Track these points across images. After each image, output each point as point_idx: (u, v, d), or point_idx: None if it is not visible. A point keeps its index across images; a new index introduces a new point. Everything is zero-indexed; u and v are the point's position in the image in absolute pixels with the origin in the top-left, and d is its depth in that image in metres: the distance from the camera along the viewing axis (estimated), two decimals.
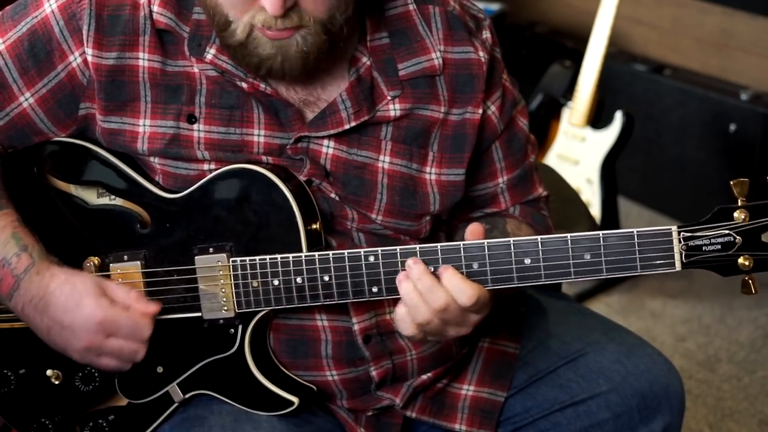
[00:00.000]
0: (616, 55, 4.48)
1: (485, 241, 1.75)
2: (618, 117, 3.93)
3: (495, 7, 4.64)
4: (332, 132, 1.87)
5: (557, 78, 4.15)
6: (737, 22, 4.23)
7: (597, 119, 4.00)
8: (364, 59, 1.89)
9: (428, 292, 1.73)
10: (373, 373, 1.92)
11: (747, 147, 4.06)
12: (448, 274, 1.74)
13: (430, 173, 1.93)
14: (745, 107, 4.06)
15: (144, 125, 1.86)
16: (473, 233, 1.76)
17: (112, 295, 1.83)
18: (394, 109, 1.89)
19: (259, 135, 1.87)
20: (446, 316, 1.75)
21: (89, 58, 1.83)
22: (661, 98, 4.36)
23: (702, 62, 4.39)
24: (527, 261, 1.74)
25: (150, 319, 1.83)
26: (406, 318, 1.76)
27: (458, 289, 1.73)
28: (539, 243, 1.73)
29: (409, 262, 1.75)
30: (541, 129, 4.10)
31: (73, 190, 1.92)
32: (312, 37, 1.77)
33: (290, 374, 1.89)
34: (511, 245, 1.74)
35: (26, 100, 1.87)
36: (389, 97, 1.89)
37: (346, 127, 1.87)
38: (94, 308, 1.81)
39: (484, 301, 1.75)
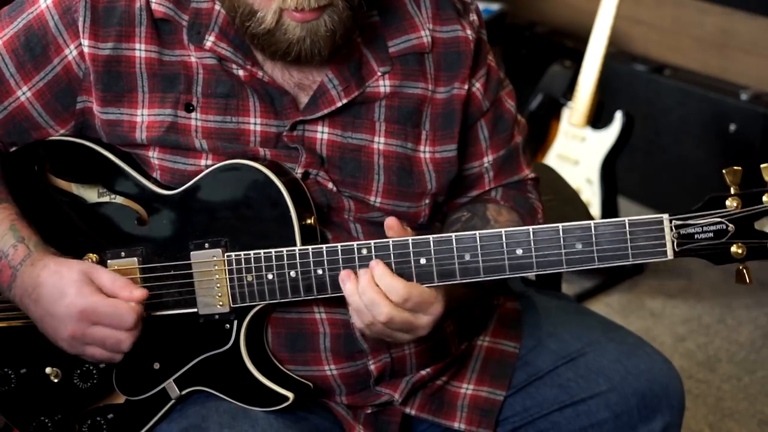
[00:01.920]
0: (616, 55, 4.48)
1: (477, 232, 1.75)
2: (618, 117, 3.93)
3: (495, 7, 4.64)
4: (325, 112, 1.89)
5: (557, 78, 4.15)
6: (737, 22, 4.23)
7: (597, 119, 4.00)
8: (354, 36, 1.91)
9: (372, 305, 1.75)
10: (372, 367, 1.92)
11: (747, 147, 4.06)
12: (378, 272, 1.75)
13: (424, 152, 1.95)
14: (745, 107, 4.07)
15: (142, 115, 1.87)
16: (390, 228, 1.78)
17: (99, 282, 1.83)
18: (384, 85, 1.91)
19: (255, 123, 1.88)
20: (392, 326, 1.76)
21: (85, 49, 1.85)
22: (661, 98, 4.36)
23: (702, 62, 4.39)
24: (519, 251, 1.73)
25: (135, 305, 1.81)
26: (353, 314, 1.79)
27: (388, 288, 1.74)
28: (531, 233, 1.73)
29: (345, 273, 1.77)
30: (541, 129, 4.10)
31: (74, 189, 1.93)
32: (338, 14, 1.79)
33: (286, 370, 1.90)
34: (503, 236, 1.74)
35: (23, 94, 1.88)
36: (379, 73, 1.91)
37: (338, 104, 1.89)
38: (76, 296, 1.80)
39: (418, 299, 1.75)
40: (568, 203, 2.94)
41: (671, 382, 1.99)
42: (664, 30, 4.54)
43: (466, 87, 1.97)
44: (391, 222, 1.78)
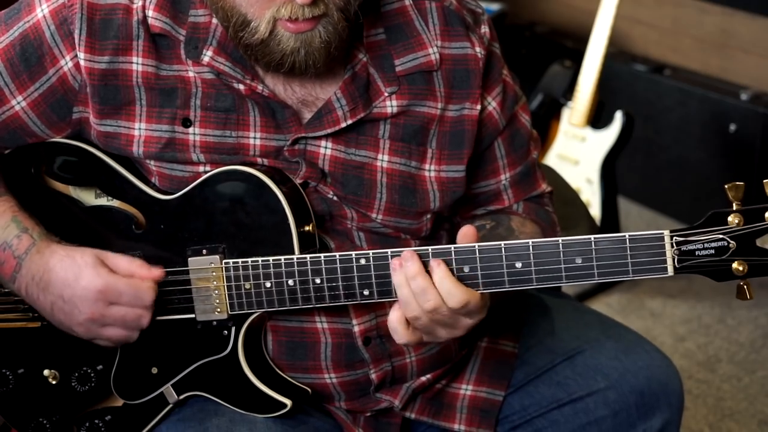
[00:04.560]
0: (616, 55, 4.48)
1: (476, 244, 1.74)
2: (618, 117, 3.93)
3: (495, 7, 4.63)
4: (329, 131, 1.87)
5: (557, 78, 4.15)
6: (737, 22, 4.23)
7: (597, 119, 4.00)
8: (360, 56, 1.89)
9: (421, 293, 1.72)
10: (372, 376, 1.92)
11: (747, 147, 4.05)
12: (440, 274, 1.72)
13: (429, 170, 1.93)
14: (745, 107, 4.06)
15: (139, 129, 1.86)
16: (465, 236, 1.75)
17: (113, 264, 1.83)
18: (391, 106, 1.89)
19: (255, 138, 1.86)
20: (437, 317, 1.74)
21: (82, 63, 1.83)
22: (661, 98, 4.36)
23: (702, 62, 4.39)
24: (518, 265, 1.72)
25: (153, 283, 1.82)
26: (401, 318, 1.75)
27: (448, 291, 1.72)
28: (530, 247, 1.72)
29: (406, 254, 1.73)
30: (541, 129, 4.10)
31: (71, 191, 1.92)
32: (333, 25, 1.76)
33: (285, 376, 1.89)
34: (503, 249, 1.73)
35: (18, 103, 1.87)
36: (386, 94, 1.89)
37: (343, 125, 1.87)
38: (94, 277, 1.80)
39: (474, 307, 1.74)
40: (567, 204, 2.94)
41: (670, 380, 1.99)
42: (664, 30, 4.54)
43: (479, 107, 1.94)
44: (466, 230, 1.75)
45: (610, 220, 3.99)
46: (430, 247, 1.75)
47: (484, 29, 1.97)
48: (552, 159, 4.08)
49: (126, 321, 1.82)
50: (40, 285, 1.83)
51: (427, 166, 1.93)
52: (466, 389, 2.01)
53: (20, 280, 1.85)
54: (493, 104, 1.97)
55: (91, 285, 1.80)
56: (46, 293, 1.83)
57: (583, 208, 3.14)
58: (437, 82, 1.92)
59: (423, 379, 1.96)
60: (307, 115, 1.88)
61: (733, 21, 4.24)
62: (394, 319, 1.75)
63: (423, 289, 1.72)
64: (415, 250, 1.74)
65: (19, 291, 1.87)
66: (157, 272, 1.83)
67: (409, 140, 1.91)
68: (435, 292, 1.72)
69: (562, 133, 4.07)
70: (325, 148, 1.88)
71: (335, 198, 1.89)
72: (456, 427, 1.99)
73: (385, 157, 1.90)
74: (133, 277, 1.82)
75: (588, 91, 3.92)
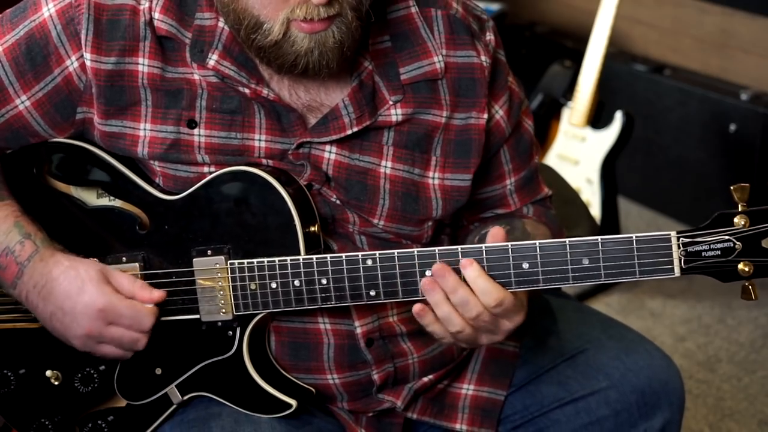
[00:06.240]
0: (616, 55, 4.49)
1: (483, 245, 1.74)
2: (618, 117, 3.93)
3: (495, 7, 4.64)
4: (334, 138, 1.86)
5: (557, 78, 4.15)
6: (737, 22, 4.23)
7: (597, 119, 4.00)
8: (366, 63, 1.88)
9: (462, 305, 1.72)
10: (375, 377, 1.92)
11: (747, 147, 4.06)
12: (473, 273, 1.72)
13: (433, 178, 1.93)
14: (745, 107, 4.06)
15: (144, 129, 1.85)
16: (494, 237, 1.75)
17: (116, 283, 1.83)
18: (396, 114, 1.88)
19: (260, 140, 1.86)
20: (479, 324, 1.74)
21: (88, 63, 1.83)
22: (661, 98, 4.36)
23: (702, 62, 4.39)
24: (525, 265, 1.73)
25: (153, 308, 1.82)
26: (438, 327, 1.76)
27: (483, 290, 1.72)
28: (537, 247, 1.72)
29: (437, 268, 1.73)
30: (541, 129, 4.10)
31: (74, 191, 1.92)
32: (346, 25, 1.75)
33: (289, 376, 1.89)
34: (509, 249, 1.73)
35: (22, 102, 1.86)
36: (391, 102, 1.88)
37: (348, 132, 1.86)
38: (96, 295, 1.80)
39: (510, 305, 1.73)
40: (568, 203, 2.95)
41: (671, 379, 2.00)
42: (664, 30, 4.54)
43: (486, 116, 1.93)
44: (495, 232, 1.76)
45: (610, 220, 3.99)
46: (437, 248, 1.75)
47: (489, 36, 1.96)
48: (552, 159, 4.08)
49: (122, 342, 1.83)
50: (42, 294, 1.83)
51: (430, 174, 1.93)
52: (467, 389, 2.02)
53: (21, 287, 1.85)
54: (500, 113, 1.97)
55: (92, 302, 1.80)
56: (46, 303, 1.83)
57: (583, 207, 3.14)
58: (442, 91, 1.91)
59: (425, 379, 1.97)
60: (312, 121, 1.88)
61: (733, 21, 4.24)
62: (440, 332, 1.77)
63: (465, 300, 1.72)
64: (422, 251, 1.75)
65: (19, 297, 1.87)
66: (157, 294, 1.83)
67: (412, 147, 1.91)
68: (476, 300, 1.72)
69: (562, 133, 4.08)
70: (329, 152, 1.88)
71: (338, 202, 1.89)
72: (458, 427, 2.00)
73: (389, 164, 1.90)
74: (134, 298, 1.82)
75: (588, 91, 3.93)
